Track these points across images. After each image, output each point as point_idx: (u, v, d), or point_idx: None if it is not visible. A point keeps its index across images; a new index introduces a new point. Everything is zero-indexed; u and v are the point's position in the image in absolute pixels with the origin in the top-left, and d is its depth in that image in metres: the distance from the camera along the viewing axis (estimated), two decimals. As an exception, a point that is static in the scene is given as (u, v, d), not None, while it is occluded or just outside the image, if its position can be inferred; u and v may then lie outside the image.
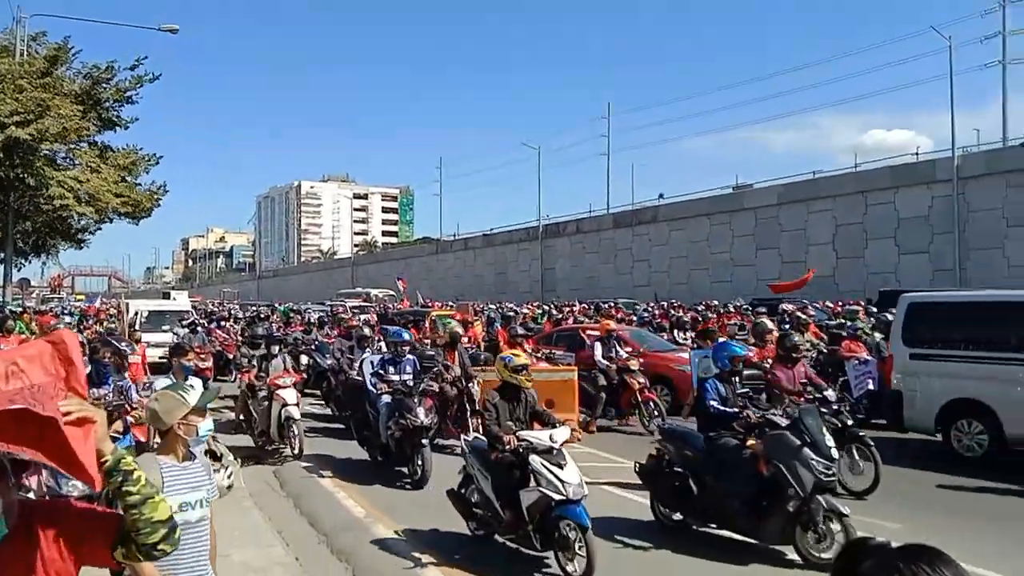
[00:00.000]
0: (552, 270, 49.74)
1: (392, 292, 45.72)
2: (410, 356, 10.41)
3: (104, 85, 23.23)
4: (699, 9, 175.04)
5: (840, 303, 22.61)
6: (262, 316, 26.72)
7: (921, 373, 10.34)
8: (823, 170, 36.76)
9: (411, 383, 9.72)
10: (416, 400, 9.43)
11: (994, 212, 28.35)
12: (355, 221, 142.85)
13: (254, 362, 11.80)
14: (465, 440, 7.34)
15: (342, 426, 12.60)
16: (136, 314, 20.18)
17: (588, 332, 14.99)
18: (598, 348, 13.13)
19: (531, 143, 56.17)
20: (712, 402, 6.95)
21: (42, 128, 18.93)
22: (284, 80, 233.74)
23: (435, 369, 10.71)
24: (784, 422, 6.61)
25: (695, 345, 13.12)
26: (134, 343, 12.71)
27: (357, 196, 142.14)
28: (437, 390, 10.39)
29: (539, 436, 6.29)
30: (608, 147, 51.23)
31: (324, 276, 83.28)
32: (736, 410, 6.89)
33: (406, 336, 11.06)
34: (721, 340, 9.40)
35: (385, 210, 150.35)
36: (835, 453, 6.57)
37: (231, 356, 17.88)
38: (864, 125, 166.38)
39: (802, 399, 7.87)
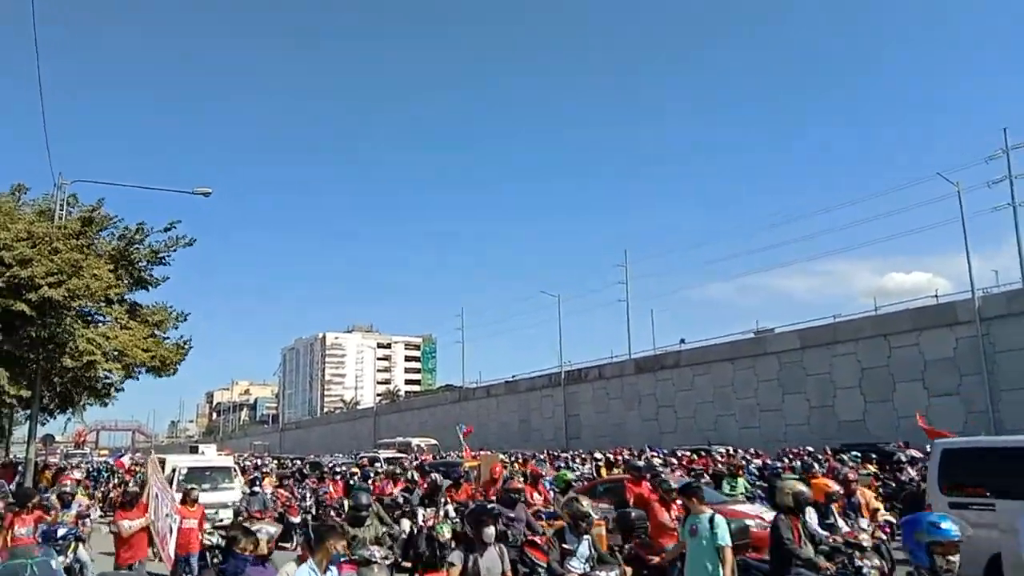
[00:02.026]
0: (576, 416, 49.24)
1: (434, 441, 44.86)
2: None
3: (137, 246, 24.10)
4: (709, 155, 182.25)
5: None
6: (304, 473, 25.28)
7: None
8: (843, 314, 36.92)
9: None
10: None
11: (1022, 353, 28.15)
12: (378, 371, 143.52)
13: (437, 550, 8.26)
14: None
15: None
16: (174, 471, 18.17)
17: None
18: (812, 516, 9.59)
19: (550, 291, 57.33)
20: None
21: (73, 287, 19.30)
22: (310, 234, 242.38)
23: None
24: None
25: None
26: (184, 505, 11.58)
27: (380, 346, 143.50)
28: None
29: None
30: (627, 293, 52.01)
31: (347, 427, 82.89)
32: None
33: None
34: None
35: (408, 359, 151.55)
36: None
37: (295, 521, 16.44)
38: (882, 268, 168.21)
39: None
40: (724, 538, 7.33)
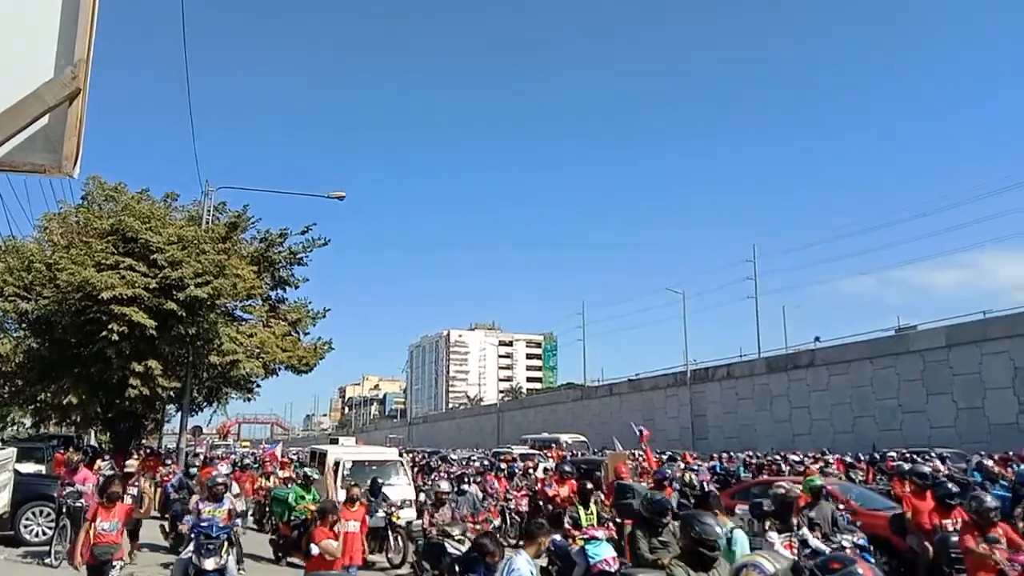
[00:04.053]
0: (703, 416, 48.02)
1: (583, 438, 41.81)
2: None
3: (278, 248, 25.34)
4: (842, 147, 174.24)
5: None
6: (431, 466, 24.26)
7: None
8: (994, 309, 34.30)
9: None
10: None
11: None
12: (500, 368, 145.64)
13: None
14: None
15: None
16: (337, 464, 16.21)
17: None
18: None
19: (674, 287, 56.26)
20: None
21: (217, 286, 20.47)
22: (432, 236, 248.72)
23: None
24: None
25: None
26: (345, 504, 10.18)
27: (502, 343, 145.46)
28: None
29: None
30: (756, 290, 50.40)
31: (472, 423, 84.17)
32: None
33: None
34: None
35: (529, 356, 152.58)
36: None
37: (497, 523, 14.19)
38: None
39: None
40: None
